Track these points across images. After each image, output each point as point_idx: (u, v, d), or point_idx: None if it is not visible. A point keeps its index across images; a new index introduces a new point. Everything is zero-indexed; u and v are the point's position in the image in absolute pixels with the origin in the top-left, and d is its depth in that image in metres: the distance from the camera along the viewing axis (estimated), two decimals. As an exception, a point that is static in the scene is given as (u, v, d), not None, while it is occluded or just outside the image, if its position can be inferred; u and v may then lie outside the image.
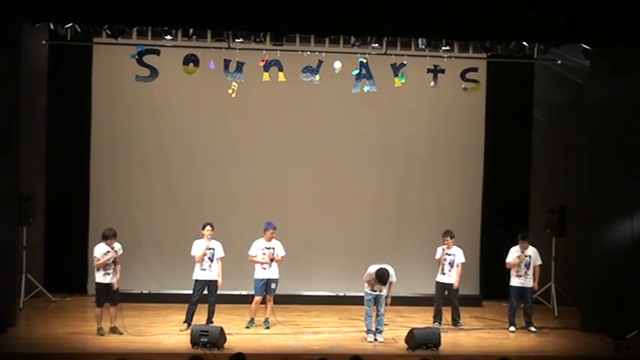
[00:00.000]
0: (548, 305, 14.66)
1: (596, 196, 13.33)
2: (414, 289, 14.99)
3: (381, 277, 12.30)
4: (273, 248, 13.05)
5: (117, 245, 12.40)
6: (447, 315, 13.50)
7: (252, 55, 13.66)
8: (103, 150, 15.10)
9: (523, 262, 13.25)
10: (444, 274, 13.38)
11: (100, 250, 12.33)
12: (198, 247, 12.90)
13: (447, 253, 13.35)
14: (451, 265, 13.35)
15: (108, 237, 12.31)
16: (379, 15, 12.54)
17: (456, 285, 13.38)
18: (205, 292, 12.94)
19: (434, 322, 13.29)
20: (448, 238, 13.32)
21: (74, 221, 15.02)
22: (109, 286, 12.33)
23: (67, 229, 15.00)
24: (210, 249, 12.89)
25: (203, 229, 12.91)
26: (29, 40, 13.50)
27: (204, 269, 12.89)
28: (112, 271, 12.33)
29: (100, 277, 12.34)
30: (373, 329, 12.56)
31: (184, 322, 12.81)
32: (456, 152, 15.52)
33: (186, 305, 13.08)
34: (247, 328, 12.99)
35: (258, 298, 13.05)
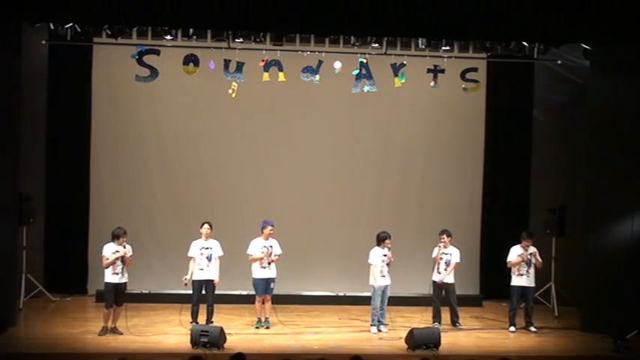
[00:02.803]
0: (548, 305, 14.66)
1: (596, 196, 13.32)
2: (413, 289, 14.97)
3: None
4: (271, 246, 13.06)
5: (128, 247, 12.39)
6: (446, 315, 13.48)
7: (252, 55, 13.66)
8: (103, 150, 15.10)
9: (525, 260, 13.23)
10: (439, 273, 13.37)
11: (109, 250, 12.32)
12: (195, 248, 12.94)
13: (443, 252, 13.34)
14: (447, 264, 13.33)
15: (118, 236, 12.30)
16: (379, 15, 12.54)
17: (440, 280, 13.28)
18: (203, 292, 12.95)
19: (433, 322, 13.28)
20: (445, 236, 13.32)
21: (74, 221, 15.02)
22: (117, 285, 12.32)
23: (67, 229, 15.00)
24: (207, 248, 12.91)
25: (201, 227, 12.95)
26: (29, 40, 13.51)
27: (201, 269, 12.91)
28: (120, 270, 12.31)
29: (109, 277, 12.33)
30: (376, 322, 12.92)
31: (191, 322, 12.82)
32: (456, 152, 15.52)
33: (186, 305, 13.15)
34: (257, 328, 13.00)
35: (260, 298, 13.05)
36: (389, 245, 12.98)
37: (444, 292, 13.39)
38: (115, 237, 12.32)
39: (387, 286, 13.02)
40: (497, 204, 15.66)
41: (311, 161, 15.38)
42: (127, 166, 15.13)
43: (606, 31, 12.73)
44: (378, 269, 12.93)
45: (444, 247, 13.34)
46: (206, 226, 12.97)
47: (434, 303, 13.44)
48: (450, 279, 13.35)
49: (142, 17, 12.80)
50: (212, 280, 12.94)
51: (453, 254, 13.38)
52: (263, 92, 14.59)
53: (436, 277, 13.40)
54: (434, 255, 13.42)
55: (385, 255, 12.95)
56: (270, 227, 13.04)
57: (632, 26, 12.64)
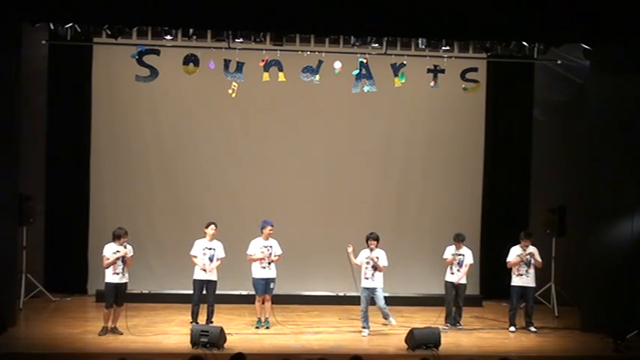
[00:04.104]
0: (548, 305, 14.66)
1: (596, 196, 13.31)
2: (413, 289, 14.99)
3: None
4: (271, 247, 13.05)
5: (129, 247, 12.37)
6: (448, 315, 13.52)
7: (252, 55, 13.67)
8: (103, 150, 15.10)
9: (524, 260, 13.23)
10: (452, 273, 13.35)
11: (109, 250, 12.31)
12: (198, 247, 12.93)
13: (457, 254, 13.33)
14: (460, 265, 13.30)
15: (119, 236, 12.28)
16: (379, 15, 12.54)
17: (458, 280, 13.28)
18: (204, 292, 12.93)
19: (445, 323, 13.23)
20: (460, 242, 13.30)
21: (74, 221, 15.02)
22: (118, 285, 12.32)
23: (67, 229, 15.00)
24: (210, 249, 12.90)
25: (207, 227, 12.92)
26: (29, 40, 13.51)
27: (203, 269, 12.89)
28: (120, 270, 12.30)
29: (109, 277, 12.31)
30: (368, 325, 12.74)
31: (191, 322, 12.79)
32: (455, 152, 15.53)
33: (186, 305, 13.14)
34: (257, 328, 12.99)
35: (260, 298, 13.04)
36: (372, 246, 12.70)
37: (454, 292, 13.39)
38: (116, 237, 12.31)
39: (374, 289, 12.70)
40: (498, 204, 15.66)
41: (311, 161, 15.38)
42: (127, 166, 15.13)
43: (606, 31, 12.73)
44: (362, 270, 12.77)
45: (458, 248, 13.32)
46: (212, 226, 12.91)
47: (447, 303, 13.40)
48: (462, 279, 13.35)
49: (142, 17, 12.81)
50: (214, 281, 12.91)
51: (467, 255, 13.37)
52: (263, 92, 14.59)
53: (449, 278, 13.35)
54: (445, 256, 13.38)
55: (368, 257, 12.71)
56: (269, 227, 13.04)
57: (632, 26, 12.65)
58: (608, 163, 13.20)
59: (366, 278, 12.75)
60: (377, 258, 12.71)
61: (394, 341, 12.41)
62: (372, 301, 12.80)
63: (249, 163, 15.27)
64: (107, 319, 12.34)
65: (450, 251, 13.37)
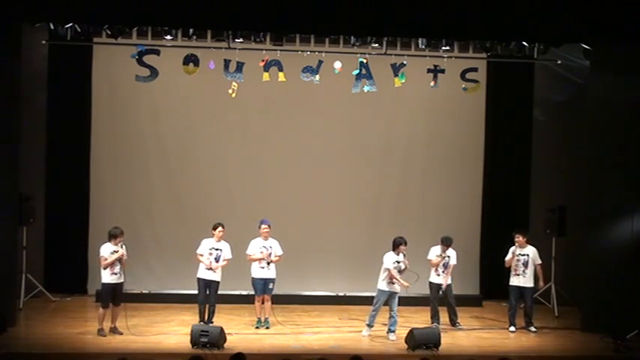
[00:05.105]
0: (548, 305, 14.66)
1: (596, 196, 13.31)
2: (413, 289, 14.88)
3: None
4: (271, 247, 13.05)
5: (123, 247, 12.34)
6: (444, 315, 13.48)
7: (252, 55, 13.67)
8: (103, 150, 15.10)
9: (517, 259, 13.20)
10: (438, 275, 13.36)
11: (106, 250, 12.28)
12: (204, 247, 12.92)
13: (443, 255, 13.30)
14: (445, 266, 13.32)
15: (115, 236, 12.26)
16: (379, 15, 12.55)
17: (446, 282, 13.30)
18: (207, 292, 12.93)
19: (432, 323, 13.27)
20: (448, 245, 13.30)
21: (74, 221, 15.01)
22: (116, 286, 12.31)
23: (67, 229, 14.99)
24: (217, 249, 12.89)
25: (214, 229, 12.89)
26: (29, 40, 13.51)
27: (209, 268, 12.89)
28: (118, 270, 12.29)
29: (107, 277, 12.30)
30: (372, 324, 12.69)
31: (200, 321, 12.79)
32: (455, 152, 15.52)
33: (186, 305, 13.24)
34: (257, 328, 12.99)
35: (259, 298, 13.04)
36: (404, 251, 12.59)
37: (441, 293, 13.39)
38: (112, 236, 12.28)
39: (395, 293, 12.63)
40: (497, 204, 15.65)
41: (311, 161, 15.37)
42: (127, 166, 15.13)
43: (606, 31, 12.74)
44: (387, 274, 12.58)
45: (444, 250, 13.32)
46: (220, 228, 12.88)
47: (432, 303, 13.43)
48: (448, 280, 13.35)
49: (142, 17, 12.82)
50: (217, 282, 12.89)
51: (452, 257, 13.37)
52: (263, 92, 14.59)
53: (434, 279, 13.35)
54: (430, 257, 13.37)
55: (398, 262, 12.58)
56: (263, 226, 13.01)
57: (632, 26, 12.65)
58: (608, 163, 13.20)
59: (392, 283, 12.62)
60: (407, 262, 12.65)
61: (394, 341, 12.41)
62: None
63: (249, 162, 15.27)
64: (102, 320, 12.31)
65: (434, 252, 13.37)
